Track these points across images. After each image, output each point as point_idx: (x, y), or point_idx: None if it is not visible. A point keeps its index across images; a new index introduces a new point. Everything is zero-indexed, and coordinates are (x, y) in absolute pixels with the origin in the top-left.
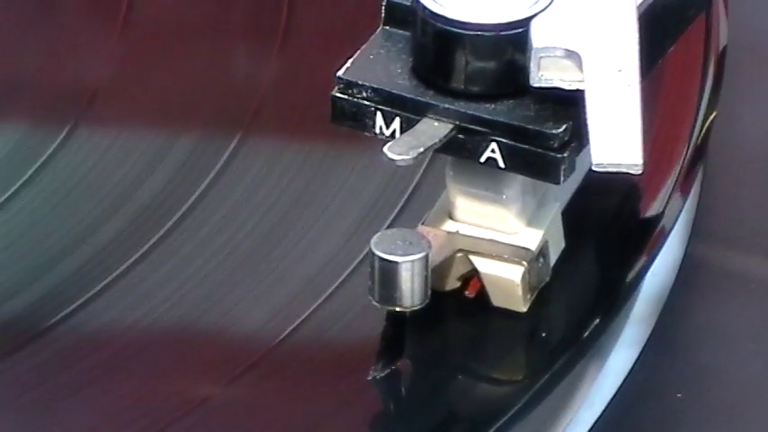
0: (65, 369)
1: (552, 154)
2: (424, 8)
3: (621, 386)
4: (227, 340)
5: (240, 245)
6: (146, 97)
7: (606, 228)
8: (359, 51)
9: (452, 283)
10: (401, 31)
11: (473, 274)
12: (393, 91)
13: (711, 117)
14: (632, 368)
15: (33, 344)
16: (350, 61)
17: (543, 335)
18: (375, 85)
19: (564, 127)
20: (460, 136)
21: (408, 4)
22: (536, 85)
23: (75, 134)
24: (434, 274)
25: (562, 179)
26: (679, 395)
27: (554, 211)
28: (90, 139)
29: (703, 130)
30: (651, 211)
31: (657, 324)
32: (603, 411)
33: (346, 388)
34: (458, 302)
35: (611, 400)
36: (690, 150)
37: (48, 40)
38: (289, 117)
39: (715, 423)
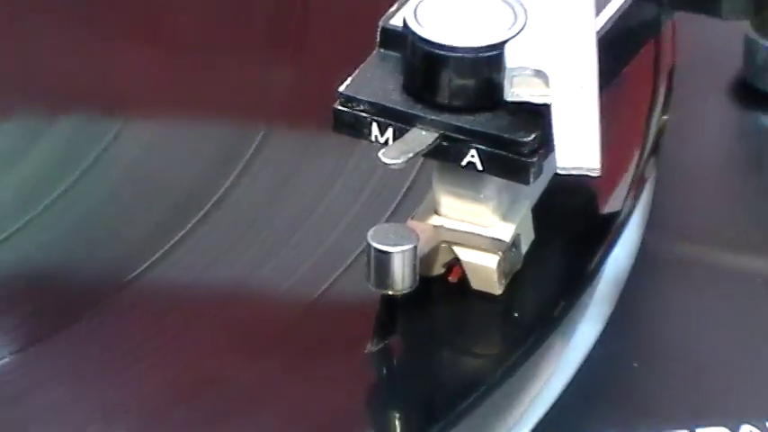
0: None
1: (523, 159)
2: (413, 33)
3: (586, 358)
4: (255, 312)
5: (259, 236)
6: (177, 102)
7: (570, 221)
8: (357, 70)
9: (437, 270)
10: (394, 53)
11: (455, 262)
12: (387, 105)
13: (663, 121)
14: (595, 342)
15: (103, 302)
16: (350, 79)
17: (516, 314)
18: (371, 100)
19: (533, 136)
20: (444, 143)
21: (400, 29)
22: (509, 99)
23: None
24: (422, 262)
25: (531, 180)
26: (635, 364)
27: (525, 207)
28: (139, 135)
29: (655, 138)
30: (610, 207)
31: (617, 304)
32: (571, 379)
33: (349, 359)
34: (442, 286)
35: (578, 369)
36: (644, 153)
37: (100, 55)
38: (303, 125)
39: (666, 386)
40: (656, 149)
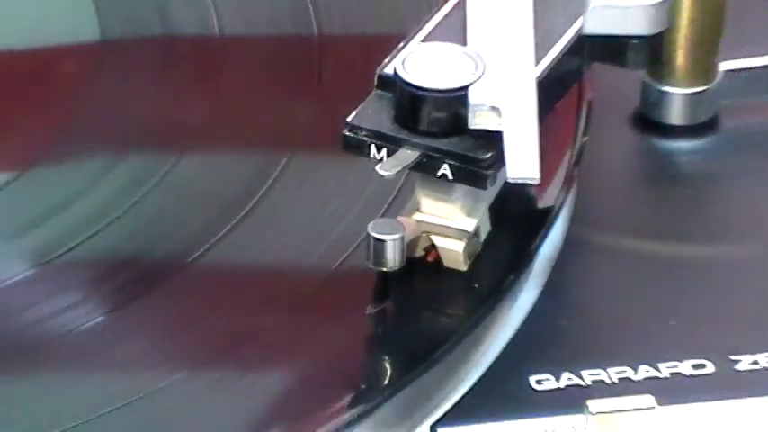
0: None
1: (482, 171)
2: (401, 79)
3: (526, 317)
4: (284, 283)
5: (287, 229)
6: (224, 132)
7: (517, 216)
8: (360, 106)
9: (419, 252)
10: (387, 94)
11: (432, 247)
12: (382, 131)
13: (583, 141)
14: (533, 305)
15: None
16: (354, 112)
17: (476, 285)
18: (370, 128)
19: (490, 154)
20: (424, 160)
21: (392, 76)
22: (472, 127)
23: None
24: (407, 247)
25: (488, 187)
26: (562, 322)
27: (483, 206)
28: (194, 157)
29: (577, 153)
30: (545, 204)
31: (549, 277)
32: (515, 332)
33: (354, 317)
34: (422, 265)
35: (520, 325)
36: (570, 165)
37: (167, 99)
38: (320, 148)
39: (584, 337)
40: (578, 162)
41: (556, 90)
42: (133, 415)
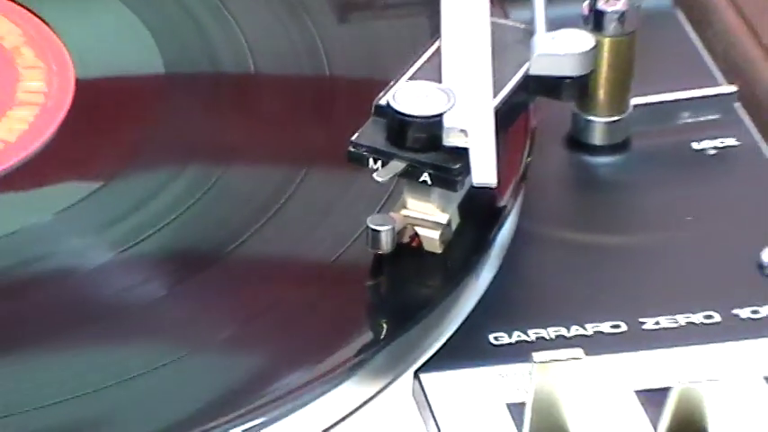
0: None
1: (454, 178)
2: (392, 108)
3: (486, 289)
4: (302, 264)
5: (304, 223)
6: (257, 152)
7: (479, 212)
8: (360, 129)
9: (406, 239)
10: (382, 119)
11: (415, 235)
12: (377, 147)
13: (529, 159)
14: (492, 280)
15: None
16: (357, 133)
17: (449, 263)
18: (369, 145)
19: (459, 165)
20: (410, 169)
21: (385, 106)
22: (446, 145)
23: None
24: (397, 235)
25: (458, 190)
26: (514, 292)
27: (455, 204)
28: (238, 169)
29: (524, 167)
30: (501, 203)
31: (504, 259)
32: (478, 302)
33: (356, 289)
34: (408, 249)
35: (481, 296)
36: (519, 173)
37: (211, 116)
38: (331, 163)
39: (531, 304)
40: (525, 172)
41: (508, 117)
42: (189, 364)
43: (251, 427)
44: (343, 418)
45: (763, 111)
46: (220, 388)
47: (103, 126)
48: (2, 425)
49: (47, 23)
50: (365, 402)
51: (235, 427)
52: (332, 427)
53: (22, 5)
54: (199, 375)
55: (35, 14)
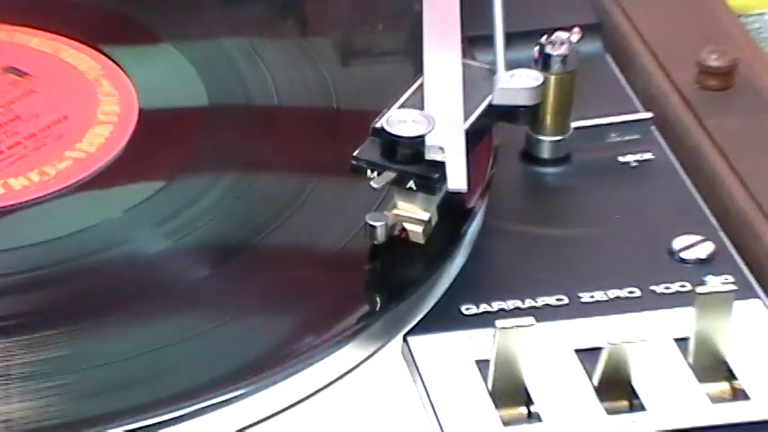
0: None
1: (433, 185)
2: (386, 130)
3: (459, 271)
4: (315, 251)
5: (316, 219)
6: (280, 163)
7: (453, 211)
8: (360, 147)
9: (396, 233)
10: (377, 139)
11: (403, 230)
12: (374, 161)
13: (492, 171)
14: (463, 265)
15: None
16: (357, 150)
17: (430, 252)
18: (367, 159)
19: (438, 175)
20: (399, 177)
21: (380, 128)
22: (428, 159)
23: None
24: (389, 229)
25: (437, 194)
26: (480, 272)
27: (434, 205)
28: (264, 179)
29: (489, 177)
30: (470, 204)
31: (473, 248)
32: (452, 281)
33: (357, 271)
34: (398, 240)
35: (455, 276)
36: (484, 181)
37: (245, 136)
38: (337, 173)
39: (492, 282)
40: (489, 181)
41: (476, 137)
42: (230, 328)
43: (278, 378)
44: (348, 372)
45: (673, 132)
46: (254, 346)
47: (161, 144)
48: (94, 373)
49: (117, 64)
50: (366, 359)
51: (266, 379)
52: (339, 378)
53: (99, 50)
54: (237, 337)
55: (109, 57)
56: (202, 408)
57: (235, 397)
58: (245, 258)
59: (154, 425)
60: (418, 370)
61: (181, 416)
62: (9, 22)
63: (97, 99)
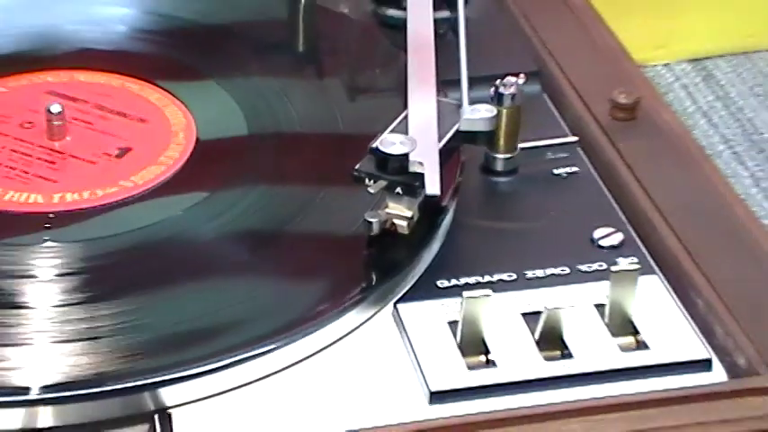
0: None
1: (415, 190)
2: (379, 149)
3: (435, 255)
4: (327, 237)
5: (328, 211)
6: (300, 175)
7: (431, 209)
8: (360, 162)
9: (387, 226)
10: (373, 156)
11: (393, 224)
12: (371, 172)
13: (459, 179)
14: (438, 250)
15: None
16: (358, 164)
17: (413, 240)
18: (366, 171)
19: (418, 183)
20: (390, 185)
21: (375, 148)
22: (411, 171)
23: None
24: (381, 224)
25: (418, 197)
26: (451, 258)
27: (416, 205)
28: (287, 188)
29: (456, 184)
30: (443, 204)
31: (446, 238)
32: (430, 263)
33: (358, 254)
34: (389, 232)
35: (432, 258)
36: (453, 188)
37: (274, 156)
38: (343, 181)
39: (460, 263)
40: (457, 188)
41: (447, 155)
42: (268, 295)
43: (303, 334)
44: (353, 330)
45: (593, 151)
46: (282, 311)
47: (211, 161)
48: (167, 331)
49: (183, 102)
50: (366, 321)
51: (295, 335)
52: (347, 335)
53: (167, 90)
54: (269, 304)
55: (176, 97)
56: (244, 358)
57: (270, 350)
58: (273, 246)
59: (212, 370)
60: (405, 329)
61: (226, 364)
62: (98, 69)
63: (167, 126)
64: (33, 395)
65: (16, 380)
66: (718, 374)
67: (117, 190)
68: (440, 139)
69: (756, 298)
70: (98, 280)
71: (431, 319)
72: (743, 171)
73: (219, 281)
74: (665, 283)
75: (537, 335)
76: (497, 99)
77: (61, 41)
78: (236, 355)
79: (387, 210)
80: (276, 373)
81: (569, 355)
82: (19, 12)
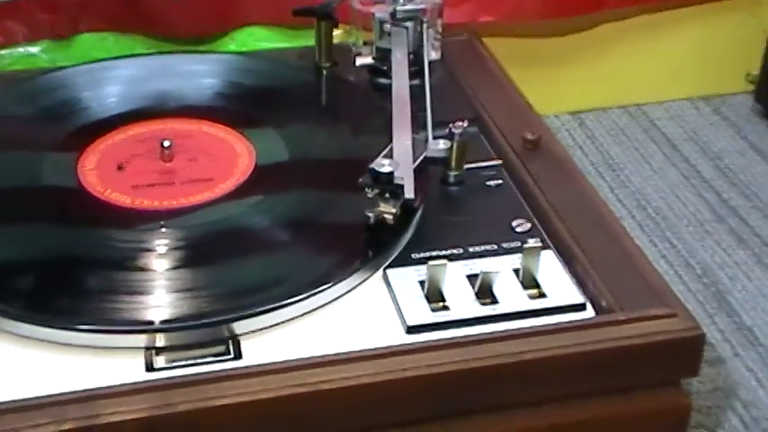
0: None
1: (398, 194)
2: (374, 169)
3: (409, 239)
4: (337, 226)
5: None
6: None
7: (408, 208)
8: (363, 176)
9: (379, 218)
10: (371, 172)
11: (383, 218)
12: (369, 184)
13: (427, 188)
14: (410, 237)
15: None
16: (361, 178)
17: (396, 228)
18: (366, 183)
19: (400, 190)
20: (381, 191)
21: (372, 167)
22: (395, 182)
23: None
24: (376, 217)
25: (400, 199)
26: (420, 239)
27: (398, 204)
28: (316, 194)
29: (424, 190)
30: (416, 204)
31: (417, 226)
32: (406, 243)
33: (360, 237)
34: (381, 223)
35: (407, 241)
36: (422, 194)
37: (303, 172)
38: (353, 188)
39: (427, 243)
40: (425, 194)
41: (418, 172)
42: (300, 263)
43: (326, 287)
44: (355, 287)
45: (512, 170)
46: (308, 274)
47: (264, 177)
48: (240, 284)
49: (247, 139)
50: (364, 280)
51: (317, 290)
52: (351, 290)
53: (238, 131)
54: (300, 269)
55: (243, 135)
56: (284, 303)
57: (301, 298)
58: (305, 232)
59: (263, 311)
60: (390, 285)
61: (272, 308)
62: (193, 117)
63: (237, 154)
64: (154, 326)
65: (144, 316)
66: (589, 313)
67: (205, 195)
68: (414, 162)
69: (613, 264)
70: (194, 252)
71: (407, 279)
72: (603, 183)
73: (268, 253)
74: (557, 254)
75: (476, 289)
76: (450, 136)
77: (169, 100)
78: (279, 302)
79: (379, 208)
80: (305, 314)
81: (496, 302)
82: (139, 80)
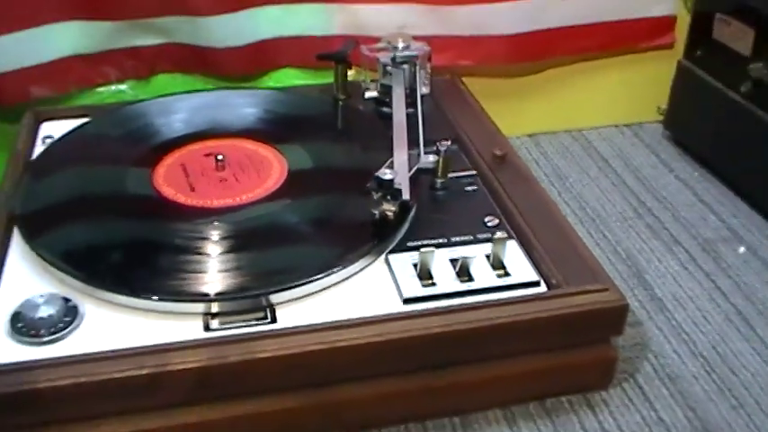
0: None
1: (397, 196)
2: (379, 177)
3: (406, 231)
4: (343, 219)
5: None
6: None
7: (405, 208)
8: (370, 182)
9: (382, 215)
10: (376, 179)
11: (385, 214)
12: (374, 188)
13: (418, 192)
14: (405, 232)
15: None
16: (369, 183)
17: (395, 223)
18: (372, 187)
19: (398, 193)
20: (383, 193)
21: (377, 176)
22: (395, 187)
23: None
24: (380, 214)
25: (398, 200)
26: (413, 231)
27: (397, 204)
28: (339, 197)
29: (417, 194)
30: (411, 204)
31: (411, 222)
32: (403, 234)
33: (367, 230)
34: (384, 219)
35: (404, 232)
36: (416, 197)
37: (322, 179)
38: (361, 192)
39: (418, 235)
40: (418, 197)
41: (413, 180)
42: (318, 245)
43: (341, 267)
44: (365, 267)
45: (484, 179)
46: (326, 257)
47: (294, 182)
48: (275, 265)
49: (280, 153)
50: (369, 264)
51: (331, 271)
52: (359, 272)
53: (273, 147)
54: (324, 251)
55: (277, 150)
56: (309, 280)
57: (322, 276)
58: (325, 225)
59: (292, 286)
60: (391, 267)
61: (300, 283)
62: (238, 137)
63: (272, 165)
64: (210, 297)
65: (202, 289)
66: (543, 288)
67: (248, 196)
68: (409, 171)
69: (560, 251)
70: (240, 241)
71: (404, 262)
72: (553, 189)
73: (296, 242)
74: (519, 244)
75: (456, 269)
76: (437, 152)
77: (221, 124)
78: (305, 279)
79: (382, 207)
80: (325, 289)
81: (472, 279)
82: (199, 110)
